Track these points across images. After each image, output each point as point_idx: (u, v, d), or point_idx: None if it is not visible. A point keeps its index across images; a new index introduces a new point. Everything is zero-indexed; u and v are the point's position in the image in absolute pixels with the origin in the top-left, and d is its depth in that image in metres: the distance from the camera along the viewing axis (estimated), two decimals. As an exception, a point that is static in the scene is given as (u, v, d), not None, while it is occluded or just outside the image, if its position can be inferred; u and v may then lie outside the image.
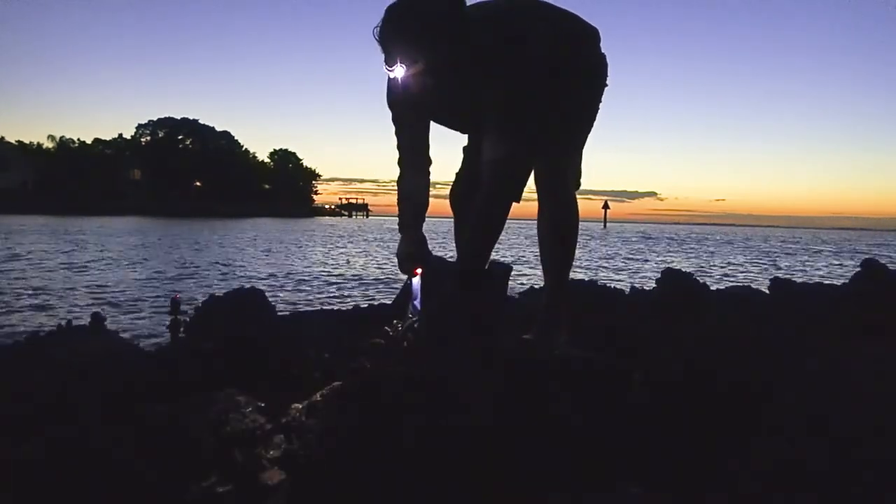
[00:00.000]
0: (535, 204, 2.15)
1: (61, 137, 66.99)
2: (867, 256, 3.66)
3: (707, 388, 1.55)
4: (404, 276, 2.12)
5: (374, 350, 1.93)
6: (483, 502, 1.19)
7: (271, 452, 1.30)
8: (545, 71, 1.87)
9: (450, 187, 2.24)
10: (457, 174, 2.22)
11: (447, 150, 2.37)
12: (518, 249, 20.13)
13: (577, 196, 2.17)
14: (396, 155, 2.07)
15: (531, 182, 2.04)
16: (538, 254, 2.22)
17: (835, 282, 5.25)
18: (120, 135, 72.63)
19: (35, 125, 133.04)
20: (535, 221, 2.16)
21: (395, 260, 2.11)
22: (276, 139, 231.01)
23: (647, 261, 19.26)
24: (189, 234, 26.09)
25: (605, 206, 65.18)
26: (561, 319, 2.13)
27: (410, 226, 2.05)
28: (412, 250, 2.03)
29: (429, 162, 2.07)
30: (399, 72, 1.70)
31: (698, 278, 3.35)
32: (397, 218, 2.08)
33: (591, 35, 2.01)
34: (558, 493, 1.20)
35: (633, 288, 3.51)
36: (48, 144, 66.44)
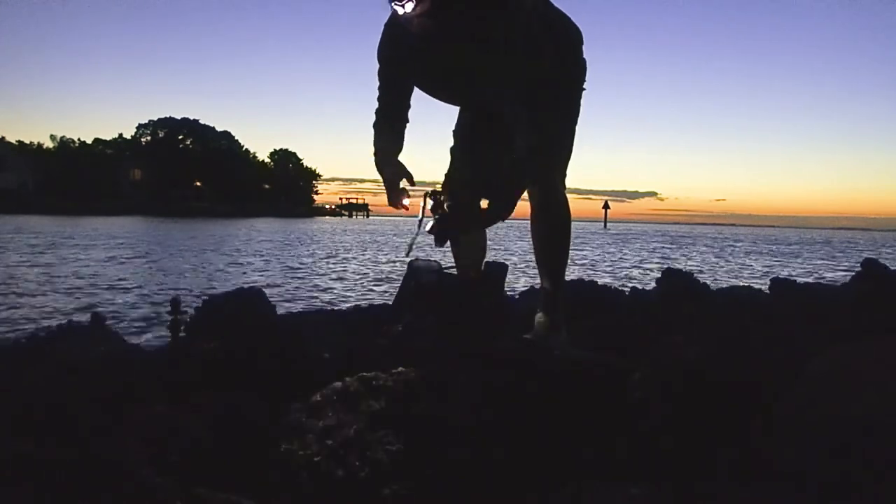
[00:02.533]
0: (528, 204, 2.16)
1: (61, 137, 67.11)
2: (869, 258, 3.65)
3: (707, 388, 1.55)
4: (402, 281, 2.14)
5: (375, 350, 1.93)
6: (482, 502, 1.19)
7: (271, 452, 1.30)
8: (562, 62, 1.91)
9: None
10: (447, 177, 2.23)
11: (441, 151, 2.38)
12: (515, 249, 20.13)
13: (579, 197, 2.20)
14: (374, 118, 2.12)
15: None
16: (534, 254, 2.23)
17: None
18: (120, 135, 72.78)
19: (35, 125, 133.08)
20: (529, 221, 2.18)
21: (395, 258, 2.13)
22: (276, 139, 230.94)
23: (647, 260, 19.26)
24: (189, 235, 26.09)
25: (606, 206, 65.17)
26: (560, 319, 2.13)
27: (395, 150, 2.11)
28: (396, 171, 2.08)
29: (405, 122, 2.13)
30: (409, 7, 1.64)
31: (698, 278, 3.35)
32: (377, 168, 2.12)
33: (580, 36, 2.05)
34: (558, 493, 1.20)
35: (633, 288, 3.51)
36: (48, 144, 66.56)
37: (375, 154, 2.12)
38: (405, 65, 1.98)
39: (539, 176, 2.03)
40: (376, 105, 2.11)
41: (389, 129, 2.12)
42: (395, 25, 1.90)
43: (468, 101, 2.15)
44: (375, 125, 2.13)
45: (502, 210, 1.92)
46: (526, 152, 1.88)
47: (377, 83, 2.08)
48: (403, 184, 2.09)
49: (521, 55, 1.82)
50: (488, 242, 2.42)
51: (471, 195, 2.05)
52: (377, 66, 2.05)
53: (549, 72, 1.89)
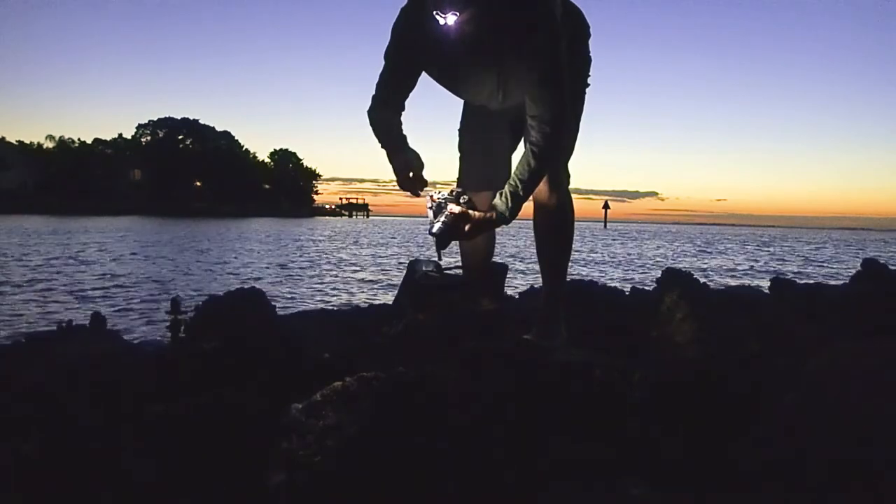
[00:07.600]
0: (531, 202, 2.15)
1: (61, 137, 67.10)
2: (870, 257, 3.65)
3: (707, 388, 1.55)
4: (405, 268, 2.11)
5: (375, 350, 1.93)
6: (482, 502, 1.19)
7: (272, 452, 1.30)
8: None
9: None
10: (460, 178, 2.21)
11: (444, 150, 2.37)
12: (516, 249, 20.13)
13: (579, 196, 2.19)
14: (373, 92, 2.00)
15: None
16: (535, 253, 2.22)
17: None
18: (120, 135, 72.80)
19: (35, 125, 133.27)
20: (532, 220, 2.17)
21: (395, 257, 2.12)
22: (276, 139, 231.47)
23: (647, 260, 19.26)
24: (189, 235, 26.09)
25: (606, 206, 65.21)
26: (560, 319, 2.12)
27: (398, 146, 2.00)
28: (409, 158, 1.97)
29: (403, 105, 2.01)
30: (451, 19, 1.62)
31: (698, 278, 3.35)
32: (379, 144, 2.02)
33: (589, 30, 2.05)
34: (558, 493, 1.20)
35: (633, 288, 3.51)
36: (48, 144, 66.53)
37: (385, 143, 2.02)
38: (423, 53, 1.88)
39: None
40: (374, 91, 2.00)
41: (387, 113, 2.00)
42: (416, 11, 1.81)
43: (481, 97, 2.04)
44: (372, 114, 2.02)
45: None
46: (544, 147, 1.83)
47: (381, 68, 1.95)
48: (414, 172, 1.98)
49: (547, 57, 1.77)
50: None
51: (483, 196, 2.00)
52: (383, 57, 1.94)
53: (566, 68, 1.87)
